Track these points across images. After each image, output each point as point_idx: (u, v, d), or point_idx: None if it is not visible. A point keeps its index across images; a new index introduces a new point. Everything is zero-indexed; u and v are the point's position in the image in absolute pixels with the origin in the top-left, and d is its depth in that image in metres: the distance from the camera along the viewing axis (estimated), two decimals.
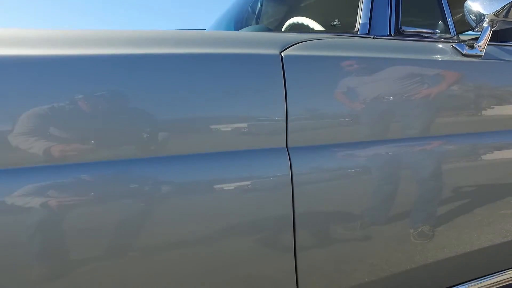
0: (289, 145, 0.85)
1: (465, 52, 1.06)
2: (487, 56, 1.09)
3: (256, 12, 1.74)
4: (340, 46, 0.96)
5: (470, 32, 1.56)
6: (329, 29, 1.21)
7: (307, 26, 1.26)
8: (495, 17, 1.05)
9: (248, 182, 0.80)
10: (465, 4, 1.10)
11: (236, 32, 1.54)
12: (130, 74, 0.73)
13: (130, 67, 0.74)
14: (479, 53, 1.07)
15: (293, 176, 0.83)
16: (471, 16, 1.09)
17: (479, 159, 1.10)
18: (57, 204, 0.68)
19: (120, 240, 0.73)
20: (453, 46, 1.08)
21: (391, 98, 0.96)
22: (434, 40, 1.11)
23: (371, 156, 0.94)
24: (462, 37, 1.20)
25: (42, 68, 0.69)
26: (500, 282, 1.18)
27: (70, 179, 0.69)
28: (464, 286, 1.11)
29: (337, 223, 0.90)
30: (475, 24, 1.09)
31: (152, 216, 0.75)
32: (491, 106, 1.12)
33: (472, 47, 1.07)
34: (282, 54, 0.84)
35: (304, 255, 0.86)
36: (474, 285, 1.13)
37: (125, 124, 0.73)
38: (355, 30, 1.07)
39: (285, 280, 0.86)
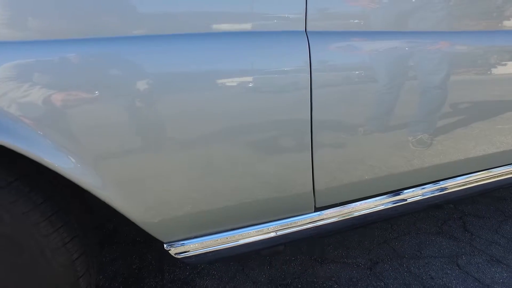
0: (308, 29, 0.87)
1: None
2: None
3: None
4: None
5: None
6: None
7: None
8: None
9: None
10: None
11: None
12: None
13: None
14: None
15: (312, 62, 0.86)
16: None
17: (490, 64, 1.13)
18: None
19: None
20: None
21: None
22: None
23: (386, 49, 0.96)
24: None
25: None
26: (491, 176, 1.36)
27: None
28: (459, 179, 1.26)
29: (352, 112, 0.94)
30: None
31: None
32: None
33: None
34: None
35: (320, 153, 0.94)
36: (468, 178, 1.28)
37: None
38: None
39: (302, 175, 0.94)
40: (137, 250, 1.67)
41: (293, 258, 1.60)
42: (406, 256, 1.60)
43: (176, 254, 0.93)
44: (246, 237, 0.98)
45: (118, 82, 0.75)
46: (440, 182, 1.21)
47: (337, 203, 1.05)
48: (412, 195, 1.16)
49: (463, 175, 1.27)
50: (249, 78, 0.83)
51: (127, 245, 1.70)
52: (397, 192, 1.09)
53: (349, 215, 1.06)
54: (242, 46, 0.81)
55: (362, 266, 1.54)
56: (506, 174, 1.39)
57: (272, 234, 1.01)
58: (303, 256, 1.61)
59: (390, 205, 1.12)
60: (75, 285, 0.87)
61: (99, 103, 0.74)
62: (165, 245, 0.93)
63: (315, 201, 1.01)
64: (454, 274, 1.48)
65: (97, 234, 1.00)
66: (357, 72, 0.93)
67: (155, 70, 0.77)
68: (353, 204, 1.06)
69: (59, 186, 0.88)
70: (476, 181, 1.30)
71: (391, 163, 1.04)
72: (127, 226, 1.83)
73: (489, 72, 1.14)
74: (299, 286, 1.42)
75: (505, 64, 1.16)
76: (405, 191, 1.12)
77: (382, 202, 1.10)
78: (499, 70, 1.16)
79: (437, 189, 1.20)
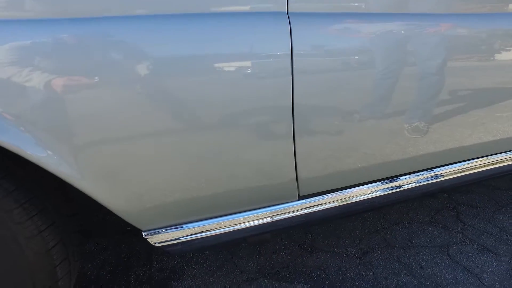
0: (290, 10, 0.84)
1: None
2: None
3: None
4: None
5: None
6: None
7: None
8: None
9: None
10: None
11: None
12: None
13: None
14: None
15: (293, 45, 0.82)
16: None
17: (492, 49, 1.10)
18: None
19: None
20: None
21: None
22: None
23: (379, 33, 0.93)
24: None
25: None
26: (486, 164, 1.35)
27: None
28: (455, 165, 1.24)
29: (336, 99, 0.92)
30: None
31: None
32: None
33: None
34: None
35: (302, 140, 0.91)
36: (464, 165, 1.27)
37: None
38: None
39: (284, 163, 0.91)
40: (126, 239, 1.66)
41: (282, 248, 1.59)
42: (397, 245, 1.59)
43: (154, 242, 0.92)
44: (228, 226, 0.97)
45: (92, 71, 0.72)
46: (435, 169, 1.19)
47: (322, 191, 1.03)
48: (405, 182, 1.13)
49: (455, 163, 1.25)
50: (226, 63, 0.80)
51: (116, 234, 1.70)
52: (385, 180, 1.07)
53: (334, 203, 1.04)
54: (216, 29, 0.78)
55: (352, 255, 1.53)
56: (501, 162, 1.37)
57: (255, 223, 0.99)
58: (293, 245, 1.60)
59: (379, 194, 1.10)
60: (51, 274, 0.86)
61: (74, 92, 0.72)
62: (143, 233, 0.91)
63: (298, 189, 0.99)
64: (444, 264, 1.46)
65: (77, 222, 0.99)
66: (343, 58, 0.90)
67: (125, 56, 0.74)
68: (338, 192, 1.04)
69: (34, 174, 0.86)
70: (469, 169, 1.28)
71: (376, 152, 1.01)
72: (117, 215, 1.82)
73: (491, 58, 1.12)
74: (287, 275, 1.41)
75: (508, 49, 1.14)
76: (395, 178, 1.10)
77: (370, 190, 1.08)
78: (502, 56, 1.13)
79: (432, 176, 1.18)
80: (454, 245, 1.58)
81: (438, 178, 1.16)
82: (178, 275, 1.43)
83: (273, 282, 1.38)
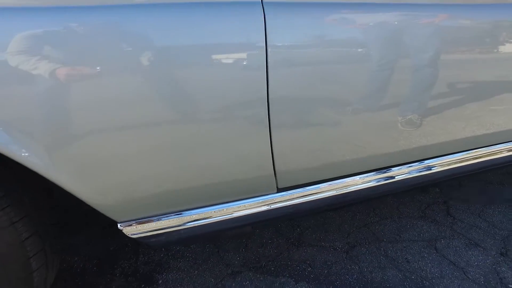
0: None
1: None
2: None
3: None
4: None
5: None
6: None
7: None
8: None
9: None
10: None
11: None
12: None
13: None
14: None
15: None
16: None
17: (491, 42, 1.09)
18: None
19: None
20: None
21: None
22: None
23: (359, 23, 0.91)
24: None
25: None
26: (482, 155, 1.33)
27: None
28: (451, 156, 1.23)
29: (314, 97, 0.90)
30: None
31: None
32: None
33: None
34: None
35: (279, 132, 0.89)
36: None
37: None
38: None
39: (261, 156, 0.90)
40: (114, 232, 1.66)
41: (269, 241, 1.58)
42: (385, 240, 1.58)
43: (130, 234, 0.91)
44: (205, 218, 0.96)
45: (59, 60, 0.71)
46: (425, 161, 1.18)
47: (301, 184, 1.02)
48: (397, 173, 1.12)
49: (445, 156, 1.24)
50: (198, 54, 0.79)
51: (103, 227, 1.70)
52: (366, 172, 1.06)
53: (314, 196, 1.03)
54: (186, 19, 0.77)
55: (339, 249, 1.52)
56: (495, 154, 1.36)
57: (234, 215, 0.99)
58: (281, 239, 1.60)
59: (360, 187, 1.09)
60: (25, 265, 0.86)
61: (44, 81, 0.71)
62: (118, 225, 0.91)
63: (277, 182, 0.98)
64: (430, 258, 1.46)
65: (56, 215, 0.99)
66: (320, 49, 0.89)
67: (86, 49, 0.72)
68: (318, 185, 1.03)
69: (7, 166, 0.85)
70: (461, 161, 1.27)
71: (353, 145, 1.00)
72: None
73: (488, 50, 1.10)
74: (272, 269, 1.41)
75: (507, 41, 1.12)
76: (385, 170, 1.09)
77: (351, 183, 1.07)
78: (498, 49, 1.13)
79: (424, 168, 1.17)
80: (442, 239, 1.57)
81: (419, 172, 1.15)
82: (163, 268, 1.44)
83: (258, 276, 1.37)
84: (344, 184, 1.03)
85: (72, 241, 1.59)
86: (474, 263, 1.42)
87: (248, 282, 1.34)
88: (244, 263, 1.45)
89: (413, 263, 1.43)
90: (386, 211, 1.81)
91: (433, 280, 1.33)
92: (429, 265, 1.42)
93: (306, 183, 1.02)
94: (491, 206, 1.83)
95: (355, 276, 1.37)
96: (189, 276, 1.39)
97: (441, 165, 1.19)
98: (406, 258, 1.46)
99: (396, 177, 1.14)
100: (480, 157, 1.34)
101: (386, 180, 1.09)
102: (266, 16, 0.82)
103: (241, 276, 1.38)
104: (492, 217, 1.73)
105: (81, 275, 1.40)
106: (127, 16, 0.74)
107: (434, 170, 1.20)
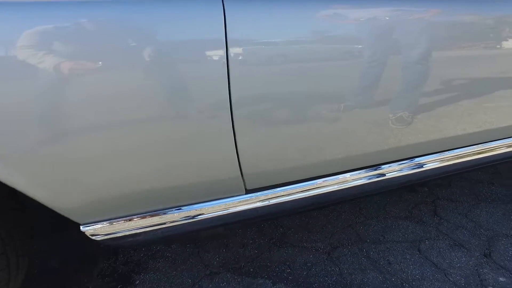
0: None
1: None
2: None
3: None
4: None
5: None
6: None
7: None
8: None
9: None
10: None
11: None
12: None
13: None
14: None
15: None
16: None
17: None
18: None
19: None
20: None
21: None
22: None
23: (323, 18, 0.88)
24: None
25: None
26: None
27: None
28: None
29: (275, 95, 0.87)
30: None
31: None
32: None
33: None
34: None
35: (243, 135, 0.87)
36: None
37: None
38: None
39: (226, 158, 0.88)
40: None
41: (251, 242, 1.57)
42: (368, 240, 1.56)
43: (92, 236, 0.90)
44: (171, 220, 0.95)
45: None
46: (381, 166, 1.14)
47: (271, 185, 1.00)
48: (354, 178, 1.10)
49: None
50: (155, 52, 0.76)
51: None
52: (333, 175, 1.04)
53: (283, 197, 1.01)
54: (138, 14, 0.74)
55: (321, 250, 1.50)
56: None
57: (201, 217, 0.97)
58: (262, 239, 1.58)
59: (332, 189, 1.07)
60: None
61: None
62: (81, 227, 0.89)
63: (244, 183, 0.96)
64: (412, 259, 1.43)
65: (22, 216, 0.97)
66: (282, 46, 0.85)
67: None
68: (288, 186, 1.01)
69: None
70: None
71: (320, 146, 0.98)
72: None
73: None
74: (251, 270, 1.40)
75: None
76: (349, 173, 1.07)
77: (323, 184, 1.05)
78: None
79: (377, 174, 1.13)
80: (426, 240, 1.55)
81: (375, 178, 1.11)
82: (142, 268, 1.42)
83: (236, 277, 1.36)
84: (315, 186, 1.01)
85: (53, 242, 1.59)
86: (457, 264, 1.39)
87: (225, 283, 1.33)
88: (223, 263, 1.44)
89: (394, 265, 1.41)
90: (373, 211, 1.79)
91: (413, 283, 1.31)
92: (411, 266, 1.40)
93: (276, 185, 1.00)
94: (479, 205, 1.80)
95: (334, 278, 1.35)
96: (166, 276, 1.38)
97: (394, 172, 1.15)
98: (388, 260, 1.44)
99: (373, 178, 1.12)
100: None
101: (357, 181, 1.06)
102: (225, 10, 0.79)
103: (218, 277, 1.36)
104: (479, 217, 1.70)
105: (59, 276, 1.39)
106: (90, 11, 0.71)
107: (388, 176, 1.17)
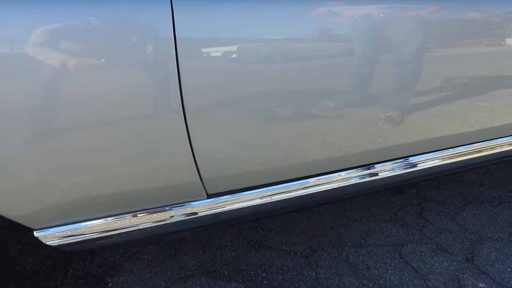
0: None
1: None
2: None
3: None
4: None
5: None
6: None
7: None
8: None
9: None
10: None
11: None
12: None
13: None
14: None
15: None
16: None
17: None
18: None
19: None
20: None
21: None
22: None
23: (279, 13, 0.83)
24: None
25: None
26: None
27: None
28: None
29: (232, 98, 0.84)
30: None
31: None
32: None
33: None
34: None
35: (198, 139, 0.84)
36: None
37: None
38: None
39: (183, 163, 0.86)
40: None
41: (229, 244, 1.54)
42: (349, 244, 1.53)
43: (47, 241, 0.88)
44: (130, 224, 0.92)
45: None
46: (346, 171, 1.10)
47: (234, 190, 0.97)
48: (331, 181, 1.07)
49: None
50: (102, 53, 0.74)
51: None
52: (300, 179, 1.01)
53: (245, 202, 0.98)
54: (81, 15, 0.72)
55: (299, 254, 1.47)
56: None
57: (162, 223, 0.95)
58: (241, 241, 1.55)
59: (299, 194, 1.03)
60: None
61: None
62: (34, 233, 0.88)
63: (205, 188, 0.94)
64: (392, 264, 1.40)
65: None
66: (236, 45, 0.81)
67: None
68: (251, 191, 0.98)
69: None
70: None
71: (278, 150, 0.94)
72: None
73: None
74: (226, 273, 1.37)
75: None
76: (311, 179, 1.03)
77: (288, 190, 1.02)
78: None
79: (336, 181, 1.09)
80: (408, 244, 1.51)
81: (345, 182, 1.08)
82: (116, 270, 1.41)
83: (209, 280, 1.34)
84: (278, 191, 0.98)
85: (31, 242, 1.58)
86: (437, 269, 1.36)
87: (198, 287, 1.31)
88: (199, 266, 1.41)
89: (373, 270, 1.37)
90: (357, 213, 1.75)
91: None
92: (390, 272, 1.36)
93: (238, 189, 0.97)
94: (466, 208, 1.75)
95: (310, 283, 1.32)
96: (140, 279, 1.36)
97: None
98: (367, 264, 1.40)
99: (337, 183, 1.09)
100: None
101: (324, 186, 1.03)
102: (173, 6, 0.76)
103: (192, 280, 1.34)
104: (465, 220, 1.66)
105: (32, 278, 1.38)
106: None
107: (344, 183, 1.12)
